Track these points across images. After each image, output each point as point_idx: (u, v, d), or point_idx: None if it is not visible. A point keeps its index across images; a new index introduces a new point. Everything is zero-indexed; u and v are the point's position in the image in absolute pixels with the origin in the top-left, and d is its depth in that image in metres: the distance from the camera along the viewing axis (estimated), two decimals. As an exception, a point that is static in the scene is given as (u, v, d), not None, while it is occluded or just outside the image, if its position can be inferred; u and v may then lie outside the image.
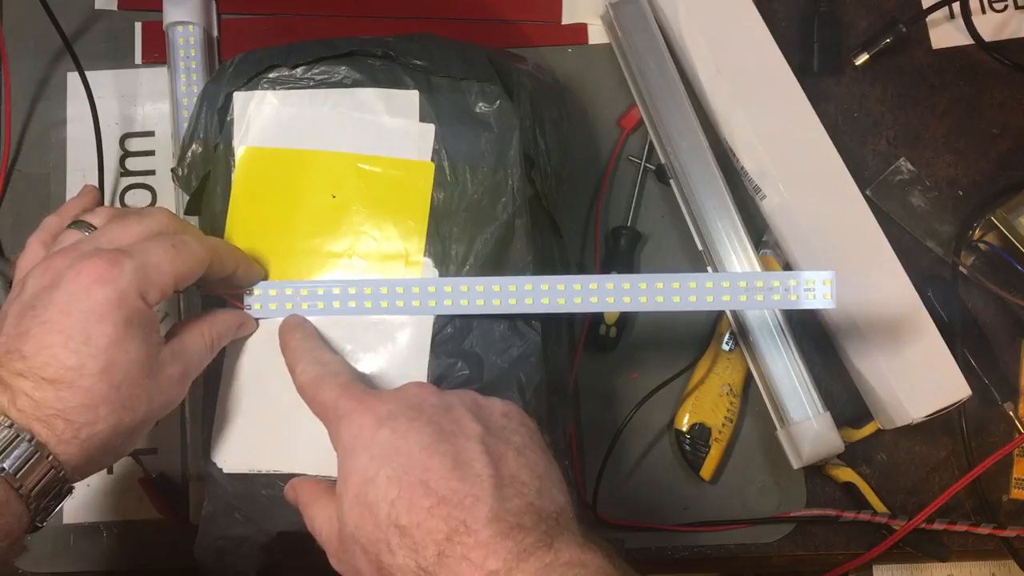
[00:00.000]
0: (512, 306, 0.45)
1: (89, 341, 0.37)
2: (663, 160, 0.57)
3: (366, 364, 0.47)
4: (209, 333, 0.44)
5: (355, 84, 0.49)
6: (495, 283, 0.45)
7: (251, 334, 0.47)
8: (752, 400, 0.57)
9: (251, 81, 0.49)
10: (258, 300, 0.47)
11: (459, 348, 0.47)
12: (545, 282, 0.45)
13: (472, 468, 0.35)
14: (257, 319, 0.47)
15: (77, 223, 0.43)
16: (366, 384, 0.46)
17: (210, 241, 0.44)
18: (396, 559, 0.34)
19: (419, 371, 0.46)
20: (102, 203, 0.58)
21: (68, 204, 0.47)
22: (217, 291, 0.46)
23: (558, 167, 0.50)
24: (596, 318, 0.57)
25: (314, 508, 0.40)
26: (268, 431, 0.47)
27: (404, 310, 0.46)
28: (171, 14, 0.58)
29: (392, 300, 0.46)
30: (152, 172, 0.60)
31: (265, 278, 0.47)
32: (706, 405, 0.56)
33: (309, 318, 0.46)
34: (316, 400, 0.41)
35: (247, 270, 0.46)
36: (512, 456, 0.36)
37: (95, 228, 0.43)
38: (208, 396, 0.48)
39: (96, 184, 0.59)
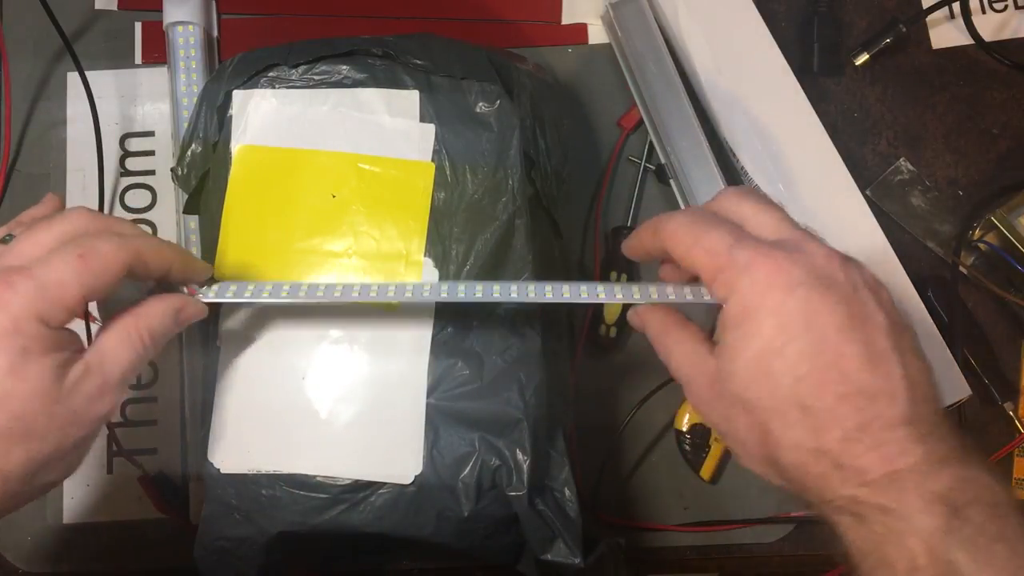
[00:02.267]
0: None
1: None
2: (663, 160, 0.57)
3: (365, 363, 0.47)
4: (136, 332, 0.39)
5: (355, 84, 0.49)
6: (461, 287, 0.43)
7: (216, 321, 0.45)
8: (752, 400, 0.57)
9: (251, 80, 0.49)
10: (213, 290, 0.43)
11: (459, 348, 0.47)
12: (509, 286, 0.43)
13: (885, 364, 0.34)
14: (207, 303, 0.43)
15: (7, 237, 0.40)
16: (364, 388, 0.47)
17: (132, 243, 0.39)
18: (790, 433, 0.34)
19: (419, 371, 0.46)
20: (100, 207, 0.59)
21: (24, 214, 0.44)
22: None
23: (558, 167, 0.50)
24: (596, 318, 0.57)
25: (668, 340, 0.40)
26: (266, 431, 0.46)
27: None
28: (171, 14, 0.58)
29: (364, 294, 0.44)
30: (152, 172, 0.60)
31: (211, 274, 0.44)
32: (706, 405, 0.56)
33: (277, 319, 0.45)
34: (699, 244, 0.36)
35: (185, 270, 0.42)
36: (911, 356, 0.35)
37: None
38: (206, 396, 0.48)
39: (96, 184, 0.59)
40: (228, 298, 0.44)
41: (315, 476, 0.46)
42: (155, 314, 0.40)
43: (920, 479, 0.32)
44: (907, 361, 0.35)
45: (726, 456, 0.57)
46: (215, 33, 0.61)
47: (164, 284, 0.42)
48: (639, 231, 0.41)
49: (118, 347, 0.39)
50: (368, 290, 0.43)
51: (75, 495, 0.56)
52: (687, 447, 0.56)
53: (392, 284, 0.44)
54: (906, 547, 0.32)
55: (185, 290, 0.43)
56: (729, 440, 0.38)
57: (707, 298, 0.40)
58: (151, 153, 0.61)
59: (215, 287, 0.44)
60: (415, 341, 0.47)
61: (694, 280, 0.42)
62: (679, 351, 0.39)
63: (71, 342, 0.38)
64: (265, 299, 0.43)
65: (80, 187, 0.60)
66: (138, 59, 0.61)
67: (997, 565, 0.31)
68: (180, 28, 0.58)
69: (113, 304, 0.41)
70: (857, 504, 0.33)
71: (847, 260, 0.36)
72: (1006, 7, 0.62)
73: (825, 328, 0.34)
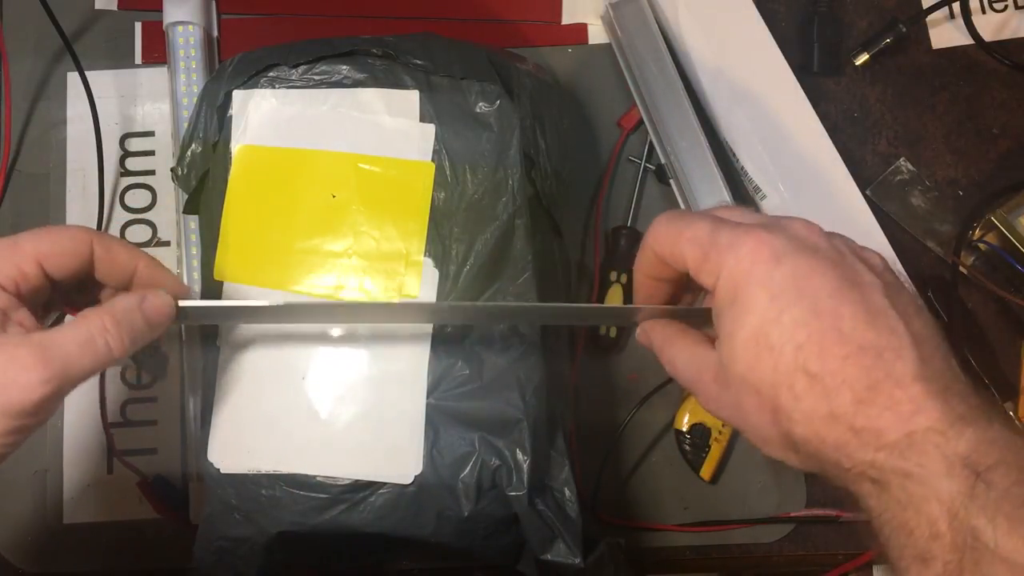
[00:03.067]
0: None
1: None
2: (663, 160, 0.57)
3: (365, 363, 0.47)
4: (98, 318, 0.36)
5: (355, 84, 0.49)
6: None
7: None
8: (752, 400, 0.57)
9: (251, 79, 0.49)
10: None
11: (459, 348, 0.47)
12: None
13: (886, 321, 0.33)
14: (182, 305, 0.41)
15: None
16: (364, 388, 0.47)
17: (95, 232, 0.39)
18: (800, 404, 0.33)
19: (419, 370, 0.46)
20: (100, 207, 0.59)
21: None
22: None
23: (558, 167, 0.50)
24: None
25: (671, 351, 0.39)
26: (266, 431, 0.47)
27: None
28: (171, 14, 0.58)
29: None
30: (152, 172, 0.60)
31: (183, 290, 0.43)
32: (706, 405, 0.56)
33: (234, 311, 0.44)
34: (682, 235, 0.36)
35: (152, 274, 0.40)
36: (913, 315, 0.33)
37: None
38: (206, 396, 0.48)
39: (96, 184, 0.59)
40: (203, 303, 0.44)
41: (315, 476, 0.46)
42: (120, 308, 0.38)
43: (940, 440, 0.31)
44: (908, 318, 0.33)
45: (726, 456, 0.57)
46: (215, 33, 0.61)
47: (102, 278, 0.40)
48: (636, 263, 0.41)
49: (73, 331, 0.36)
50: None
51: (75, 495, 0.56)
52: (687, 447, 0.56)
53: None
54: (927, 513, 0.30)
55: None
56: (744, 430, 0.36)
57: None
58: (151, 153, 0.61)
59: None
60: (415, 341, 0.47)
61: (674, 288, 0.42)
62: (682, 356, 0.39)
63: (17, 312, 0.36)
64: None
65: (80, 187, 0.60)
66: (138, 59, 0.61)
67: (1021, 533, 0.29)
68: (180, 28, 0.58)
69: None
70: (876, 469, 0.32)
71: (829, 232, 0.36)
72: (1006, 7, 0.62)
73: (817, 293, 0.33)
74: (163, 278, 0.41)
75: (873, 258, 0.36)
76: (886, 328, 0.33)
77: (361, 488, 0.45)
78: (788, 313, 0.33)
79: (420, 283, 0.47)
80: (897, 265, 0.53)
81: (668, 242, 0.37)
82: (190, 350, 0.56)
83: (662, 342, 0.40)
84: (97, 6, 0.62)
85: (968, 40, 0.61)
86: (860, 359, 0.32)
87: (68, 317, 0.39)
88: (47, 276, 0.38)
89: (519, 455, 0.45)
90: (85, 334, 0.36)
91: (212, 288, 0.48)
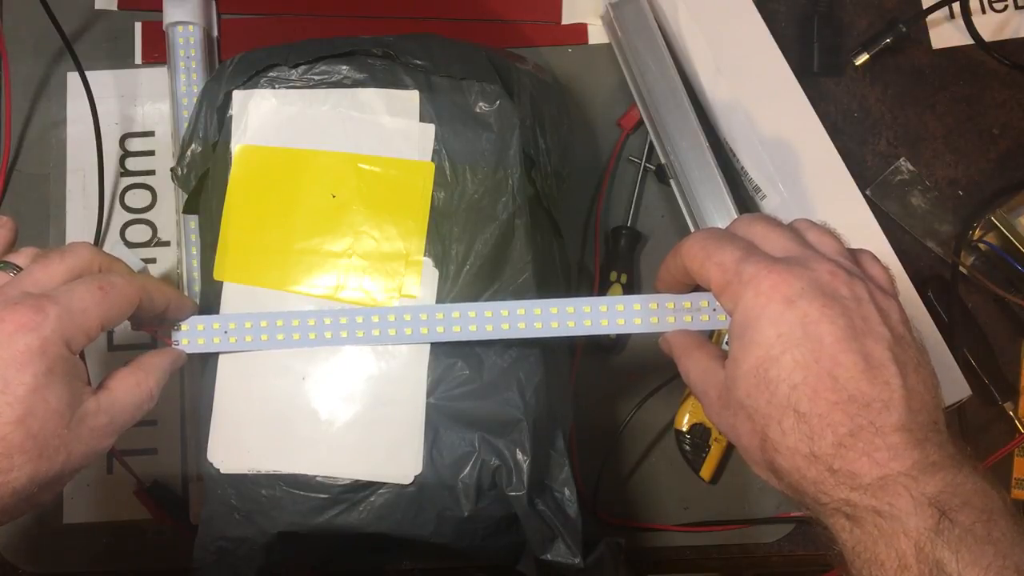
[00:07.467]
0: (440, 334, 0.45)
1: (7, 389, 0.36)
2: (663, 160, 0.57)
3: (365, 363, 0.47)
4: (146, 383, 0.43)
5: (355, 84, 0.49)
6: (423, 311, 0.46)
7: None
8: (752, 400, 0.57)
9: (251, 80, 0.49)
10: (185, 335, 0.46)
11: (459, 348, 0.47)
12: (472, 309, 0.45)
13: (882, 374, 0.35)
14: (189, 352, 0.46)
15: (3, 264, 0.42)
16: (364, 388, 0.47)
17: (139, 280, 0.43)
18: (786, 439, 0.35)
19: (419, 371, 0.46)
20: (100, 207, 0.59)
21: None
22: (147, 329, 0.46)
23: (558, 167, 0.50)
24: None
25: (688, 361, 0.42)
26: (266, 431, 0.46)
27: (332, 341, 0.46)
28: (171, 14, 0.58)
29: (320, 332, 0.46)
30: (152, 172, 0.60)
31: (196, 312, 0.47)
32: (706, 405, 0.56)
33: (236, 352, 0.47)
34: (711, 259, 0.38)
35: (179, 306, 0.45)
36: (912, 369, 0.36)
37: (20, 269, 0.41)
38: (205, 397, 0.48)
39: (96, 184, 0.59)
40: (201, 348, 0.46)
41: (315, 476, 0.46)
42: (161, 368, 0.44)
43: (911, 483, 0.33)
44: (907, 372, 0.35)
45: (726, 456, 0.57)
46: (215, 33, 0.61)
47: (135, 319, 0.44)
48: (665, 260, 0.43)
49: (127, 395, 0.42)
50: (355, 330, 0.46)
51: (75, 495, 0.56)
52: (687, 447, 0.56)
53: (378, 314, 0.46)
54: (896, 547, 0.33)
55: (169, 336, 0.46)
56: (737, 447, 0.39)
57: (705, 319, 0.44)
58: (151, 153, 0.61)
59: (185, 332, 0.46)
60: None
61: (694, 291, 0.44)
62: (695, 368, 0.41)
63: (83, 371, 0.40)
64: (247, 344, 0.46)
65: (80, 187, 0.60)
66: (138, 59, 0.62)
67: (982, 564, 0.32)
68: (180, 28, 0.58)
69: None
70: (851, 506, 0.34)
71: (853, 275, 0.37)
72: (1006, 7, 0.62)
73: (823, 338, 0.35)
74: (188, 310, 0.47)
75: (892, 310, 0.37)
76: (881, 381, 0.35)
77: (361, 488, 0.45)
78: (790, 353, 0.35)
79: (420, 283, 0.47)
80: (897, 265, 0.54)
81: (697, 260, 0.39)
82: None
83: (680, 352, 0.43)
84: (97, 6, 0.62)
85: (968, 40, 0.61)
86: (847, 407, 0.34)
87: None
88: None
89: (519, 455, 0.45)
90: (137, 401, 0.42)
91: (212, 288, 0.48)
